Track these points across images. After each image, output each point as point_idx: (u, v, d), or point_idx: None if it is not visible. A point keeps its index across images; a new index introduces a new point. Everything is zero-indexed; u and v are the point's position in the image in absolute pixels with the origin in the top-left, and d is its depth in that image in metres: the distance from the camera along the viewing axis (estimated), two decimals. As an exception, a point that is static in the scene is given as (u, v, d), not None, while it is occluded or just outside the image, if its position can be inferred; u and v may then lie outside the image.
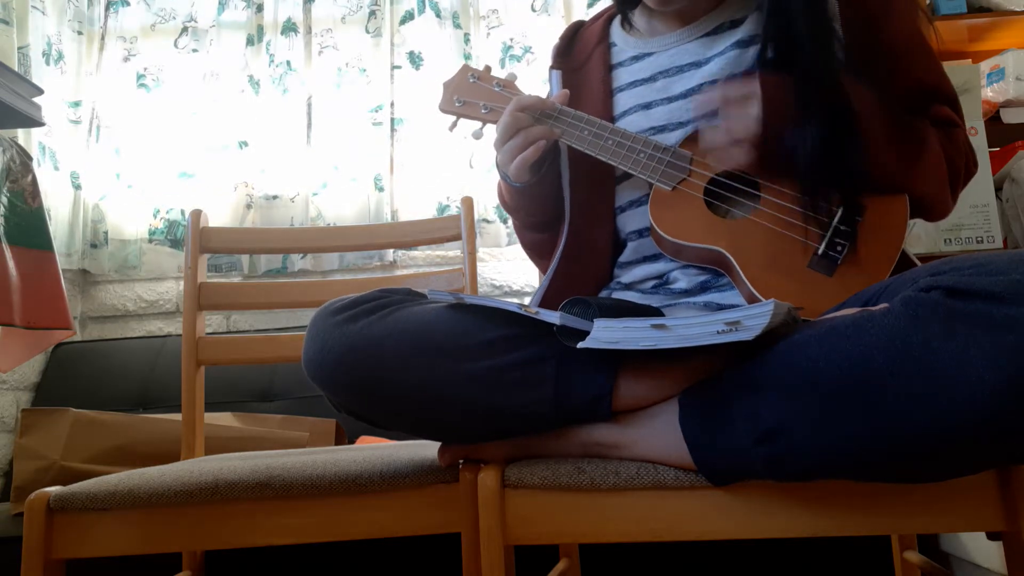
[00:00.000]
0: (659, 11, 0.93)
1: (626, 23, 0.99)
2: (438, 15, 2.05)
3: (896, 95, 0.82)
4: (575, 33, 1.05)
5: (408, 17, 2.07)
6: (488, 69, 0.98)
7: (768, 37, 0.81)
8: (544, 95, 0.92)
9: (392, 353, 0.64)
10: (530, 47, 2.04)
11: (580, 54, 1.02)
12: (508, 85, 0.96)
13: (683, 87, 0.89)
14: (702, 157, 0.84)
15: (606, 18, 1.04)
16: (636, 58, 0.96)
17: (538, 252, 1.05)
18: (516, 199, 0.96)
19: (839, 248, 0.76)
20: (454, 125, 1.00)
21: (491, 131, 0.94)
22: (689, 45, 0.92)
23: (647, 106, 0.91)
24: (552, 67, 1.00)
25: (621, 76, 0.96)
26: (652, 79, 0.92)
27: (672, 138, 0.87)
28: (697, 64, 0.90)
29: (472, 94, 0.97)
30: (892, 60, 0.83)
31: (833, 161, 0.74)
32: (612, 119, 0.93)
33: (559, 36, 1.05)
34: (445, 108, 0.98)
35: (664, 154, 0.84)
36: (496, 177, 0.98)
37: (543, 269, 1.03)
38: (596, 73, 0.97)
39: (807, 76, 0.77)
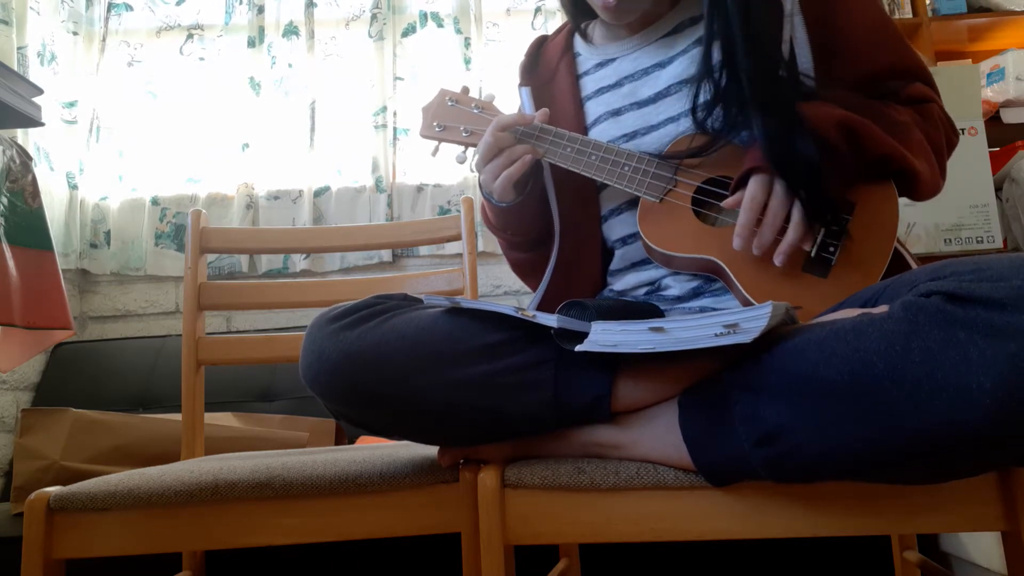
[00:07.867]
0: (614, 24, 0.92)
1: (584, 35, 0.98)
2: (440, 26, 2.05)
3: (866, 79, 0.81)
4: (539, 48, 1.04)
5: (411, 30, 2.08)
6: (466, 91, 0.97)
7: (710, 38, 0.80)
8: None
9: (389, 360, 0.64)
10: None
11: (546, 68, 1.01)
12: (487, 107, 0.95)
13: (650, 91, 0.89)
14: (687, 167, 0.83)
15: (568, 30, 1.03)
16: (600, 65, 0.95)
17: (525, 272, 1.04)
18: (501, 219, 0.95)
19: (831, 249, 0.76)
20: (436, 151, 0.98)
21: (473, 154, 0.92)
22: (650, 47, 0.91)
23: (616, 112, 0.91)
24: (521, 84, 0.99)
25: (588, 84, 0.96)
26: (618, 84, 0.92)
27: (644, 143, 0.87)
28: (661, 65, 0.89)
29: (451, 118, 0.95)
30: (857, 44, 0.82)
31: (783, 158, 0.73)
32: (584, 129, 0.92)
33: (524, 52, 1.04)
34: (425, 134, 0.96)
35: (649, 166, 0.84)
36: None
37: (532, 287, 1.02)
38: (564, 85, 0.96)
39: (748, 75, 0.76)
